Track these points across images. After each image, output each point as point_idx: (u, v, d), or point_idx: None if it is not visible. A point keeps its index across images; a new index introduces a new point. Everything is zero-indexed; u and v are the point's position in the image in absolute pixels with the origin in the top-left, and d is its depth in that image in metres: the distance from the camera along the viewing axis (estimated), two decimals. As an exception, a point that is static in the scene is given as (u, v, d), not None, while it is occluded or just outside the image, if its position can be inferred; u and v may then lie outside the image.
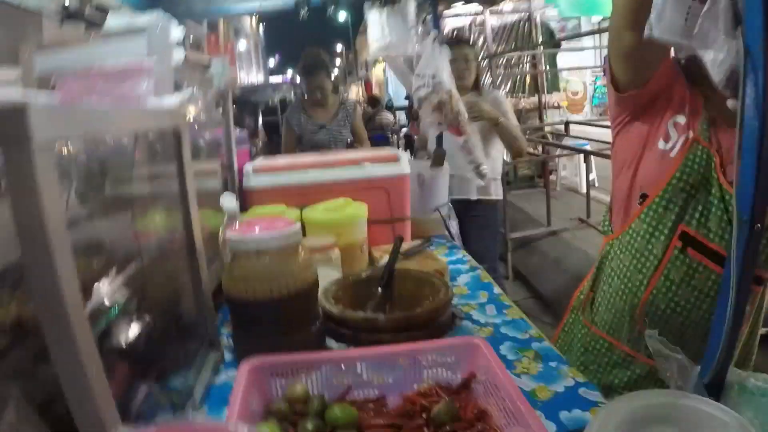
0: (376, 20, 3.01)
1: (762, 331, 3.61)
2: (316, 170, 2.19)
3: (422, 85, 2.69)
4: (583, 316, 1.61)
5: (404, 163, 2.18)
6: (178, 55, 1.62)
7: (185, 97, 1.24)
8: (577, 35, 10.50)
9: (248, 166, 2.23)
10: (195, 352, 1.38)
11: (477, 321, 1.54)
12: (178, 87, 1.47)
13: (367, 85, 24.84)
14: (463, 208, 3.23)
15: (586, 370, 1.51)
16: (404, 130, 10.24)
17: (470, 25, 9.16)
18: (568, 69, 9.90)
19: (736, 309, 0.93)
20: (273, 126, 9.92)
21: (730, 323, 0.94)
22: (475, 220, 3.36)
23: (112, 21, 1.53)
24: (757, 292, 1.36)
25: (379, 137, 10.82)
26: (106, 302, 1.13)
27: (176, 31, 1.56)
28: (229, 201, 1.63)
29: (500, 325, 1.51)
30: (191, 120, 1.82)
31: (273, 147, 9.01)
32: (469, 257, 2.12)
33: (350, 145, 3.95)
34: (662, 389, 1.09)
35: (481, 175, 2.76)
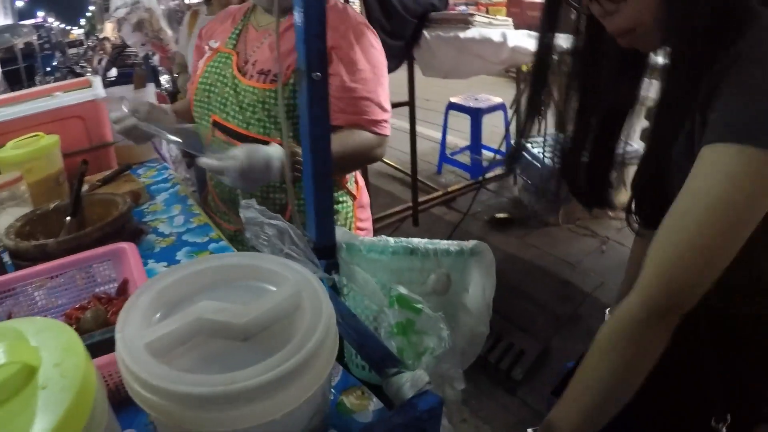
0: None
1: (499, 215, 4.04)
2: (7, 107, 2.11)
3: (121, 5, 2.64)
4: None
5: (97, 88, 2.16)
6: None
7: None
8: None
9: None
10: None
11: (162, 233, 1.64)
12: None
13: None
14: None
15: None
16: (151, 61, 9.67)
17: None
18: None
19: (315, 169, 1.05)
20: (15, 76, 8.84)
21: (314, 185, 1.06)
22: None
23: None
24: None
25: (129, 73, 10.17)
26: None
27: None
28: None
29: (183, 233, 1.61)
30: None
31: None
32: (174, 176, 2.18)
33: None
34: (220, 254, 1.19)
35: None
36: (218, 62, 1.70)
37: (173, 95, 3.16)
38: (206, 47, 1.81)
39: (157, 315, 0.72)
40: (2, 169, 1.86)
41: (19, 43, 9.83)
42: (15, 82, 8.57)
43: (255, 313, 0.69)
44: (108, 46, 9.93)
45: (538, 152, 4.16)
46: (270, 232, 1.03)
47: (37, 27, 11.94)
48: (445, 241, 1.13)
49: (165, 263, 1.46)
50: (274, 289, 0.76)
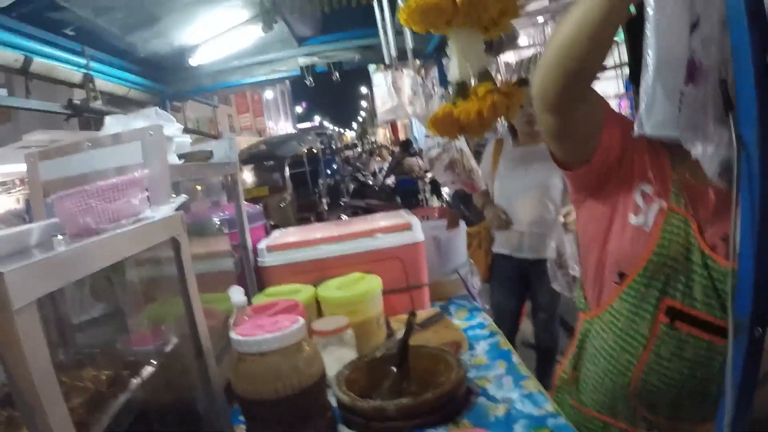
0: (381, 83, 3.03)
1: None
2: (329, 245, 2.19)
3: (433, 146, 2.70)
4: (570, 396, 1.53)
5: (417, 231, 2.17)
6: (180, 149, 1.66)
7: (179, 203, 1.25)
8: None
9: (261, 245, 2.24)
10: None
11: (493, 397, 1.50)
12: (177, 188, 1.48)
13: (394, 127, 24.59)
14: (533, 264, 3.10)
15: None
16: (430, 174, 9.76)
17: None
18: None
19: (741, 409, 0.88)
20: (300, 179, 9.49)
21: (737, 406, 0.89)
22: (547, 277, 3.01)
23: (109, 124, 1.58)
24: None
25: (407, 182, 10.53)
26: (120, 405, 1.14)
27: (171, 129, 1.60)
28: (236, 295, 1.63)
29: (516, 401, 1.46)
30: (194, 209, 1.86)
31: (301, 202, 8.76)
32: (489, 321, 2.08)
33: None
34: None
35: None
36: (674, 227, 1.24)
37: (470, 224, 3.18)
38: (644, 196, 1.30)
39: None
40: (326, 310, 1.91)
41: (306, 149, 10.55)
42: (299, 185, 9.20)
43: None
44: (385, 153, 10.46)
45: None
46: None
47: (318, 133, 12.91)
48: None
49: (506, 438, 1.32)
50: None
